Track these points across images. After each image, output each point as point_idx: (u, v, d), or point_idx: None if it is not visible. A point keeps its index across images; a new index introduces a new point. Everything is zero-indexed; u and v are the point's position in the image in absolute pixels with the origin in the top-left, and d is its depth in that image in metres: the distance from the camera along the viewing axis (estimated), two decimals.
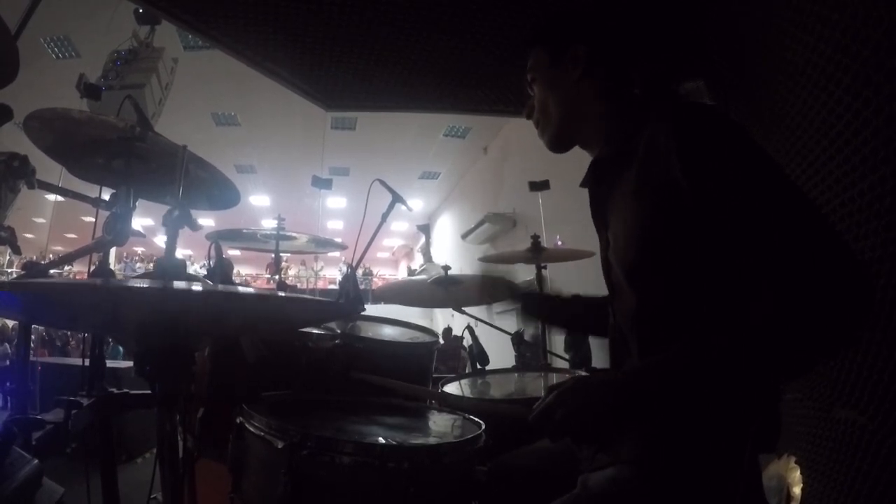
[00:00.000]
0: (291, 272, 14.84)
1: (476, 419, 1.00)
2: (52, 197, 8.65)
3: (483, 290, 1.40)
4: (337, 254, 12.19)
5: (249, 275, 15.63)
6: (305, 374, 1.19)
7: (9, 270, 11.00)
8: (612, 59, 0.90)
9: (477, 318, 1.98)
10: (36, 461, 1.37)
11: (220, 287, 0.92)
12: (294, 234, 2.50)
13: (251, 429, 0.84)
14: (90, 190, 1.31)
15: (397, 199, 2.02)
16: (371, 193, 1.91)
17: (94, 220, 1.29)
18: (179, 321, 0.67)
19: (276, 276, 2.68)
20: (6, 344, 7.95)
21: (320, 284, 14.66)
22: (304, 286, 14.17)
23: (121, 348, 5.24)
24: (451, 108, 1.88)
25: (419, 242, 13.25)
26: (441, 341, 1.65)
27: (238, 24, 1.41)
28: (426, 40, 1.42)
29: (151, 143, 1.18)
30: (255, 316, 0.78)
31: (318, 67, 1.58)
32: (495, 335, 2.09)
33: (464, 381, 1.57)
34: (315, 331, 1.25)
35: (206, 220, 9.63)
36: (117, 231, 1.09)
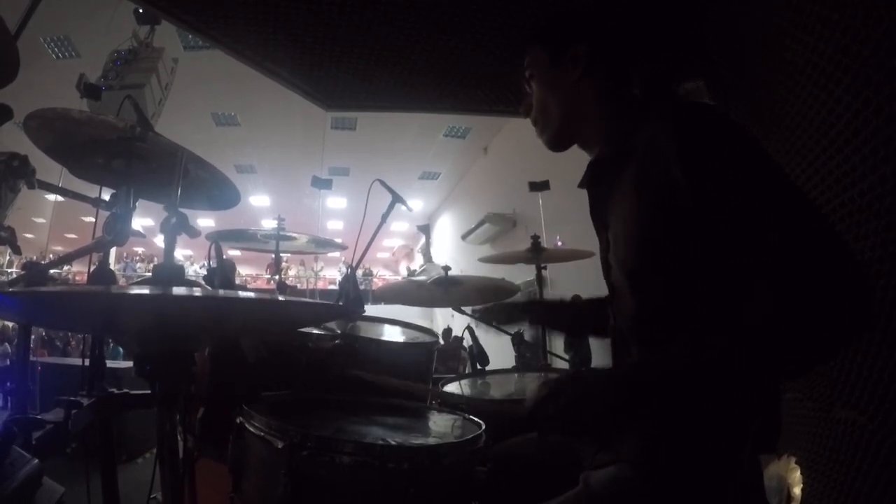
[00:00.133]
0: (291, 272, 14.84)
1: (476, 419, 1.00)
2: (52, 197, 8.66)
3: (488, 317, 1.41)
4: (337, 254, 12.20)
5: (249, 275, 15.64)
6: (305, 374, 1.19)
7: (9, 270, 11.00)
8: (613, 58, 0.90)
9: (477, 319, 1.98)
10: (36, 461, 1.37)
11: (220, 292, 0.92)
12: (294, 235, 2.49)
13: (251, 429, 0.84)
14: (90, 190, 1.31)
15: (397, 199, 2.03)
16: (371, 194, 1.91)
17: (94, 220, 1.29)
18: (179, 325, 0.67)
19: (276, 277, 2.68)
20: (6, 344, 7.96)
21: (320, 285, 14.67)
22: (304, 286, 14.18)
23: (121, 349, 5.24)
24: (451, 108, 1.88)
25: (419, 243, 13.26)
26: (441, 341, 1.65)
27: (238, 24, 1.41)
28: (426, 40, 1.42)
29: (151, 143, 1.18)
30: (254, 319, 0.78)
31: (318, 67, 1.58)
32: (495, 335, 2.08)
33: (464, 381, 1.57)
34: (315, 331, 1.25)
35: (206, 221, 9.66)
36: (117, 231, 1.09)
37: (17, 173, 1.17)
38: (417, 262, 14.17)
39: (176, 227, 1.02)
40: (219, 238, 1.72)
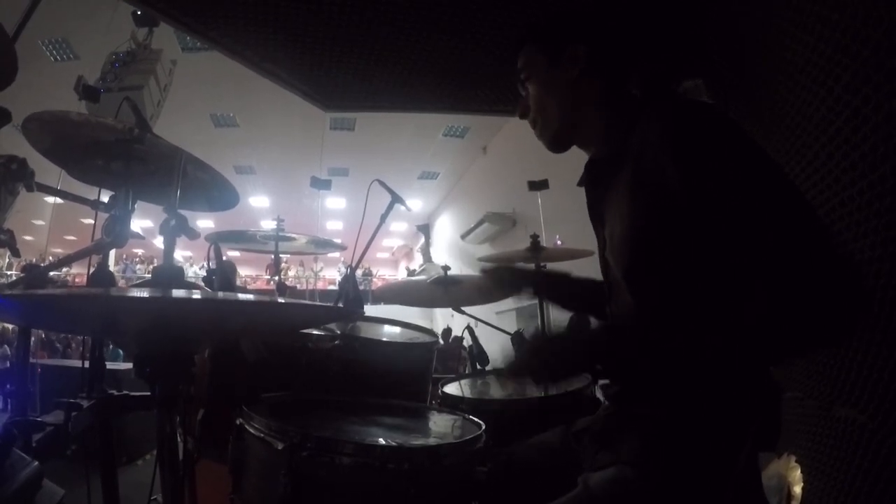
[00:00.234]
0: (291, 273, 14.83)
1: (476, 420, 1.00)
2: (51, 199, 8.65)
3: (486, 286, 1.37)
4: (336, 254, 12.20)
5: (249, 276, 15.63)
6: (305, 374, 1.19)
7: (8, 273, 10.99)
8: (612, 58, 0.90)
9: (477, 318, 1.98)
10: (36, 463, 1.37)
11: (219, 295, 0.92)
12: (293, 235, 2.49)
13: (251, 430, 0.84)
14: (89, 192, 1.31)
15: (396, 199, 2.02)
16: (370, 194, 1.91)
17: (93, 222, 1.29)
18: (178, 327, 0.67)
19: (276, 278, 2.68)
20: (5, 346, 7.95)
21: (320, 285, 14.66)
22: (304, 287, 14.17)
23: (121, 351, 5.23)
24: (451, 108, 1.88)
25: (419, 243, 13.26)
26: (441, 341, 1.65)
27: (237, 24, 1.41)
28: (426, 40, 1.42)
29: (150, 144, 1.18)
30: (253, 321, 0.78)
31: (317, 68, 1.58)
32: (495, 335, 2.08)
33: (464, 382, 1.57)
34: (315, 331, 1.24)
35: (206, 222, 9.66)
36: (116, 233, 1.09)
37: (16, 176, 1.16)
38: (417, 261, 14.17)
39: (175, 229, 1.02)
40: (218, 239, 1.72)
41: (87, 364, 1.32)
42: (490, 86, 1.64)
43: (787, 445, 1.12)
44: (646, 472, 0.73)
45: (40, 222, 11.24)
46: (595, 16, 0.93)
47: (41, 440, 1.25)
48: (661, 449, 0.73)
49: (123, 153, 1.15)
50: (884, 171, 0.81)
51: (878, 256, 0.84)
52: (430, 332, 1.66)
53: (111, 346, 4.91)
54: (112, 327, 0.76)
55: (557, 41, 0.91)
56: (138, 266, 15.13)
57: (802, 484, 1.08)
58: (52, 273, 1.60)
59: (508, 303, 1.28)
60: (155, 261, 14.14)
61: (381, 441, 0.81)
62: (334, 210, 12.43)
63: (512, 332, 2.15)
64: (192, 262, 13.97)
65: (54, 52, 6.21)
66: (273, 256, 2.47)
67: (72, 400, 1.12)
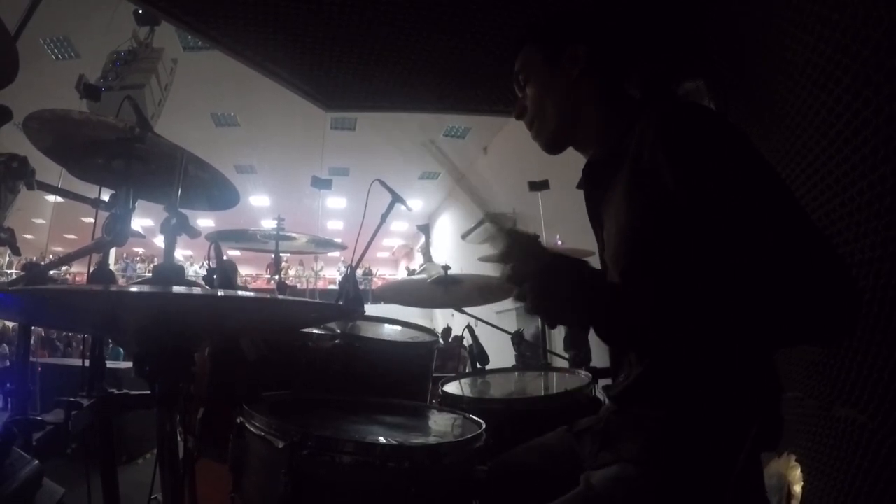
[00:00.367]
0: (291, 272, 14.84)
1: (476, 418, 1.00)
2: (51, 198, 8.65)
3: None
4: (337, 254, 12.19)
5: (249, 275, 15.64)
6: (305, 373, 1.19)
7: (9, 271, 11.00)
8: (611, 59, 0.90)
9: (477, 318, 1.98)
10: (36, 462, 1.37)
11: (219, 292, 0.92)
12: (294, 235, 2.49)
13: (251, 428, 0.84)
14: (90, 191, 1.31)
15: (397, 199, 2.02)
16: (371, 193, 1.91)
17: (93, 220, 1.28)
18: (178, 325, 0.67)
19: (276, 277, 2.68)
20: (4, 345, 7.96)
21: (320, 284, 14.66)
22: (304, 286, 14.17)
23: (121, 350, 5.23)
24: (451, 109, 1.88)
25: (419, 242, 13.26)
26: (441, 341, 1.65)
27: (238, 24, 1.41)
28: (426, 40, 1.42)
29: (151, 143, 1.18)
30: (254, 319, 0.78)
31: (318, 67, 1.58)
32: (495, 335, 2.09)
33: (464, 381, 1.57)
34: (315, 331, 1.24)
35: (206, 221, 9.66)
36: (117, 232, 1.09)
37: (17, 174, 1.17)
38: (417, 261, 14.17)
39: (176, 228, 1.02)
40: (219, 238, 1.72)
41: (87, 363, 1.32)
42: (490, 86, 1.64)
43: (788, 444, 1.12)
44: (648, 471, 0.73)
45: (41, 221, 11.25)
46: (595, 16, 0.92)
47: (41, 439, 1.25)
48: (663, 447, 0.73)
49: (124, 152, 1.15)
50: (884, 171, 0.81)
51: (879, 257, 0.84)
52: (430, 331, 1.66)
53: (111, 345, 4.91)
54: (112, 325, 0.76)
55: (557, 41, 0.91)
56: (139, 265, 15.14)
57: (802, 484, 1.08)
58: (52, 271, 1.60)
59: (508, 303, 1.27)
60: (155, 259, 14.15)
61: (382, 440, 0.81)
62: (335, 209, 12.44)
63: (512, 331, 2.16)
64: (192, 261, 13.98)
65: (56, 50, 6.21)
66: (273, 256, 2.47)
67: (72, 399, 1.12)
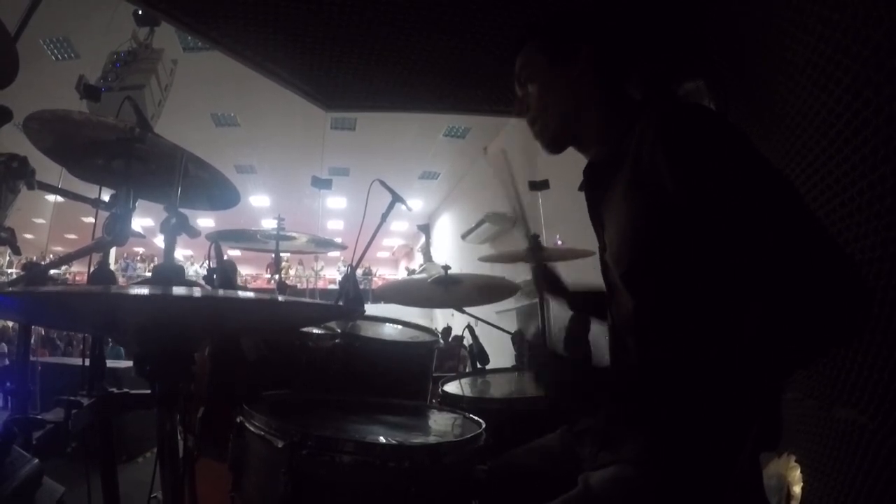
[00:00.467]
0: (291, 272, 14.84)
1: (476, 418, 1.00)
2: (51, 198, 8.66)
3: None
4: (337, 254, 12.19)
5: (249, 275, 15.63)
6: (305, 373, 1.19)
7: (9, 271, 11.00)
8: (614, 59, 0.90)
9: (477, 318, 1.98)
10: (36, 461, 1.37)
11: (219, 293, 0.93)
12: (294, 235, 2.49)
13: (251, 428, 0.84)
14: (90, 191, 1.31)
15: (397, 199, 2.02)
16: (371, 193, 1.90)
17: (93, 220, 1.29)
18: (179, 325, 0.67)
19: (276, 277, 2.68)
20: (3, 344, 7.96)
21: (320, 284, 14.66)
22: (304, 286, 14.17)
23: (122, 349, 5.23)
24: (451, 109, 1.88)
25: (419, 242, 13.26)
26: (441, 341, 1.65)
27: (238, 24, 1.41)
28: (426, 40, 1.42)
29: (151, 144, 1.18)
30: (254, 319, 0.78)
31: (318, 67, 1.58)
32: (495, 335, 2.08)
33: (464, 381, 1.57)
34: (315, 330, 1.25)
35: (206, 221, 9.66)
36: (117, 232, 1.09)
37: (17, 174, 1.17)
38: (417, 261, 14.17)
39: (176, 228, 1.02)
40: (219, 238, 1.72)
41: (87, 362, 1.32)
42: (490, 86, 1.64)
43: (788, 445, 1.12)
44: (646, 471, 0.73)
45: (41, 221, 11.25)
46: (598, 16, 0.92)
47: (41, 438, 1.25)
48: (662, 448, 0.73)
49: (124, 152, 1.15)
50: (884, 171, 0.81)
51: (879, 257, 0.84)
52: (430, 331, 1.66)
53: (111, 344, 4.91)
54: (112, 325, 0.76)
55: (561, 41, 0.91)
56: (139, 265, 15.13)
57: (802, 484, 1.08)
58: (52, 271, 1.60)
59: (508, 302, 1.28)
60: (155, 259, 14.16)
61: (382, 439, 0.81)
62: (335, 209, 12.43)
63: (512, 331, 2.16)
64: (192, 260, 13.98)
65: (55, 51, 6.21)
66: (273, 255, 2.47)
67: (72, 398, 1.12)
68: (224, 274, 1.25)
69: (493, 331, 2.04)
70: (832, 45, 0.86)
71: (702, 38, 1.19)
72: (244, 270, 15.21)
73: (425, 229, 11.54)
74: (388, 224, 2.06)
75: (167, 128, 1.76)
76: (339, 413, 1.03)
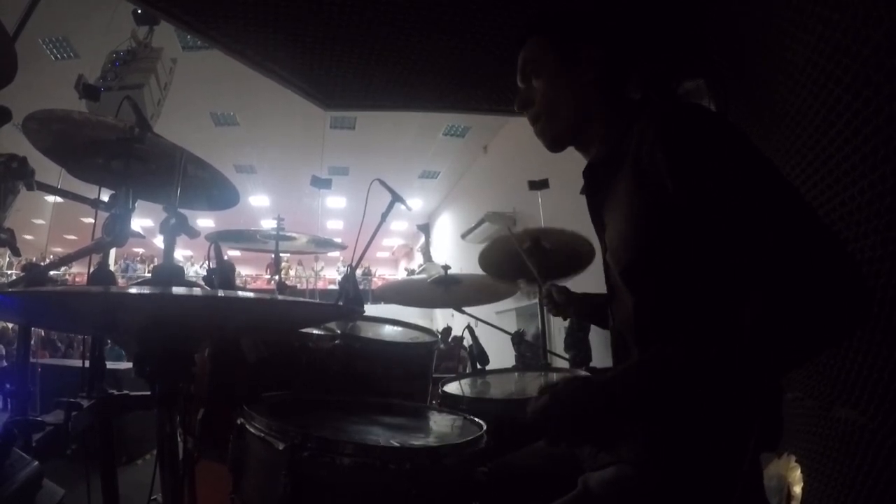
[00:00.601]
0: (291, 272, 14.83)
1: (477, 420, 1.00)
2: (51, 198, 8.65)
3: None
4: (336, 254, 12.20)
5: (249, 275, 15.64)
6: (305, 374, 1.19)
7: (8, 272, 11.00)
8: (620, 60, 0.90)
9: (477, 318, 1.98)
10: (36, 463, 1.37)
11: (219, 293, 0.92)
12: (294, 235, 2.49)
13: (251, 429, 0.84)
14: (89, 191, 1.31)
15: (397, 198, 2.02)
16: (370, 193, 1.90)
17: (93, 221, 1.28)
18: (178, 326, 0.67)
19: (276, 277, 2.68)
20: (1, 346, 7.95)
21: (320, 284, 14.66)
22: (304, 286, 14.17)
23: (122, 350, 5.23)
24: (451, 108, 1.88)
25: (419, 242, 13.25)
26: (441, 341, 1.65)
27: (238, 24, 1.41)
28: (426, 40, 1.42)
29: (150, 143, 1.18)
30: (254, 319, 0.78)
31: (318, 67, 1.58)
32: (495, 335, 2.09)
33: (464, 381, 1.57)
34: (315, 331, 1.25)
35: (206, 221, 9.66)
36: (117, 232, 1.09)
37: (16, 175, 1.16)
38: (417, 261, 14.17)
39: (175, 228, 1.02)
40: (218, 238, 1.73)
41: (87, 363, 1.32)
42: (490, 85, 1.64)
43: (788, 445, 1.12)
44: (645, 472, 0.73)
45: (40, 221, 11.24)
46: (607, 17, 0.92)
47: (41, 440, 1.25)
48: (661, 449, 0.73)
49: (124, 152, 1.15)
50: (884, 171, 0.81)
51: (879, 257, 0.84)
52: (430, 331, 1.66)
53: (110, 345, 4.91)
54: (112, 325, 0.76)
55: (573, 40, 0.89)
56: (139, 265, 15.13)
57: (802, 484, 1.08)
58: (52, 272, 1.59)
59: (508, 303, 1.29)
60: (155, 260, 14.15)
61: (382, 441, 0.81)
62: (335, 209, 12.43)
63: (512, 331, 2.16)
64: (192, 261, 13.98)
65: (54, 50, 6.20)
66: (273, 256, 2.47)
67: (72, 399, 1.11)
68: (223, 274, 1.25)
69: (493, 331, 2.04)
70: (832, 45, 0.86)
71: (702, 38, 1.19)
72: (244, 271, 15.21)
73: (425, 229, 11.54)
74: (388, 224, 2.06)
75: (166, 127, 1.76)
76: (340, 414, 1.03)
